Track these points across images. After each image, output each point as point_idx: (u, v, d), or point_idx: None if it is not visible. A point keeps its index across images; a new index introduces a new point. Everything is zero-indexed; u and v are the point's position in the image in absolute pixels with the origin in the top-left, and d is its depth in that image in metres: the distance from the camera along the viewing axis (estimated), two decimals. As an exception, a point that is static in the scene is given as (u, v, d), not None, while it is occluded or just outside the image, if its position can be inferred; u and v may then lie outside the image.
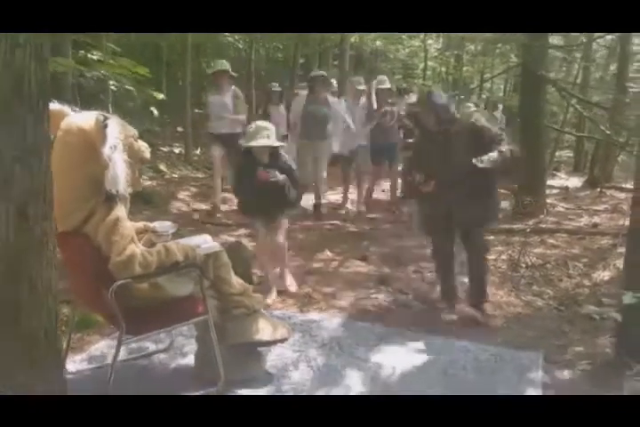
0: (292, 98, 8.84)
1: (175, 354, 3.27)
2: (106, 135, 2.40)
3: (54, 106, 2.65)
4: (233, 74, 6.60)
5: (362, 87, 7.05)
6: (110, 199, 2.48)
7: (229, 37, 11.51)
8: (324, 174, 6.73)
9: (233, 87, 6.58)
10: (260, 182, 3.96)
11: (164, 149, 10.86)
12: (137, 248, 2.54)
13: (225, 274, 2.92)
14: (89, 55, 6.30)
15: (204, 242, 2.91)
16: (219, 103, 6.47)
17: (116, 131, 2.48)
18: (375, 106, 6.78)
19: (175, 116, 11.77)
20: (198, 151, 10.74)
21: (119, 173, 2.44)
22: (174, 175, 8.76)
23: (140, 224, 2.94)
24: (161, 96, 7.05)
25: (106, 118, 2.46)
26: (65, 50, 5.30)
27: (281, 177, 4.01)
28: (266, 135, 4.00)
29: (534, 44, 6.59)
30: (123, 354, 3.21)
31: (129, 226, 2.57)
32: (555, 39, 11.18)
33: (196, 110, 13.34)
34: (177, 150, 10.69)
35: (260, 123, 4.17)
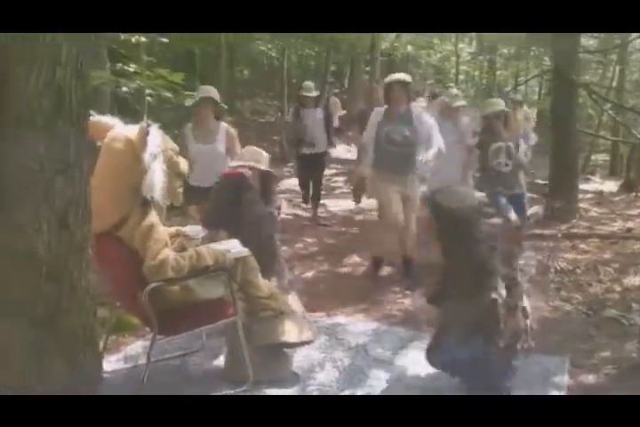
0: (330, 102, 8.65)
1: (207, 355, 3.40)
2: (147, 142, 2.55)
3: (102, 117, 2.82)
4: (222, 105, 4.58)
5: (460, 103, 5.18)
6: (146, 205, 2.62)
7: (262, 46, 11.72)
8: (413, 226, 4.60)
9: (223, 125, 4.50)
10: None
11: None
12: (170, 253, 2.67)
13: (253, 277, 3.03)
14: (125, 67, 6.51)
15: (234, 247, 3.03)
16: (207, 152, 4.39)
17: (158, 140, 2.63)
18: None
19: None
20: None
21: (156, 180, 2.58)
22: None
23: (173, 229, 3.08)
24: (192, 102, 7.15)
25: (149, 126, 2.61)
26: (102, 62, 5.51)
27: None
28: (254, 159, 3.49)
29: (565, 48, 6.57)
30: (157, 354, 3.35)
31: (162, 231, 2.71)
32: (589, 41, 11.05)
33: (228, 118, 13.57)
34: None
35: (252, 148, 3.71)
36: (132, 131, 2.66)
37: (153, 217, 2.66)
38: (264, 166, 3.53)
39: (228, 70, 12.86)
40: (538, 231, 6.06)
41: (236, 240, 3.15)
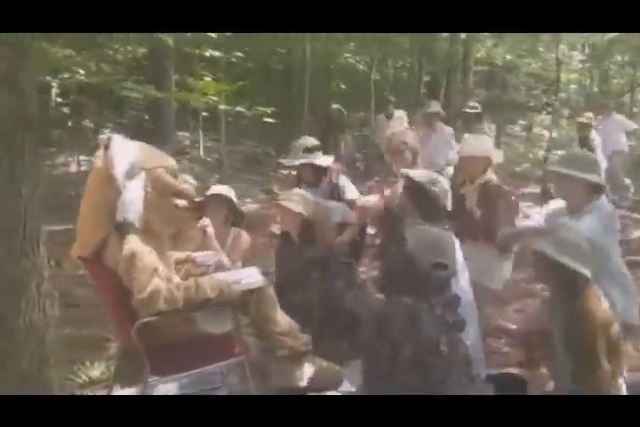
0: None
1: (228, 392, 3.08)
2: (110, 158, 2.31)
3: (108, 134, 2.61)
4: (239, 208, 3.54)
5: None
6: (120, 228, 2.35)
7: (350, 59, 11.45)
8: None
9: (235, 231, 3.51)
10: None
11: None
12: (162, 283, 2.35)
13: (269, 311, 2.69)
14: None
15: (248, 276, 2.69)
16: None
17: (131, 156, 2.36)
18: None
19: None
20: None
21: (129, 201, 2.30)
22: (286, 197, 8.74)
23: (183, 255, 2.81)
24: (269, 115, 7.05)
25: (109, 138, 2.36)
26: (167, 78, 5.47)
27: None
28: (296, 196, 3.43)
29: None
30: (173, 391, 3.09)
31: (148, 258, 2.35)
32: None
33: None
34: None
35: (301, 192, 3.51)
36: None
37: (133, 243, 2.32)
38: (305, 212, 3.35)
39: (326, 84, 12.70)
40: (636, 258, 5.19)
41: (253, 268, 2.83)
